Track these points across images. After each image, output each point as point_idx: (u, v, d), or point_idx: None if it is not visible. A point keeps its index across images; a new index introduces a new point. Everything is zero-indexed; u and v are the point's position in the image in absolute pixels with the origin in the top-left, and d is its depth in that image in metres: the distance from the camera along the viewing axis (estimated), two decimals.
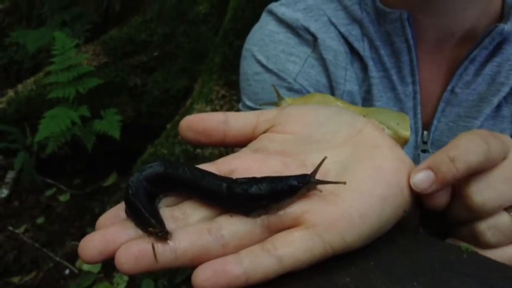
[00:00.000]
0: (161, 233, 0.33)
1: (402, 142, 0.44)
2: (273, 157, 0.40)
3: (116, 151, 2.47)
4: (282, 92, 0.75)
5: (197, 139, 0.42)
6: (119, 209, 0.37)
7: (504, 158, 0.39)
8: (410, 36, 0.70)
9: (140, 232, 0.34)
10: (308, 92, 0.75)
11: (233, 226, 0.35)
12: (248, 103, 0.80)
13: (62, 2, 3.12)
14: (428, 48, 0.73)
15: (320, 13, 0.76)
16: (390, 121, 0.44)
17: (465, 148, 0.37)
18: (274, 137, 0.42)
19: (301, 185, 0.35)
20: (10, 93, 2.67)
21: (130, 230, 0.35)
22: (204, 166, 0.39)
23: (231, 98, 2.06)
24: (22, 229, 2.42)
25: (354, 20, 0.74)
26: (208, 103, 2.08)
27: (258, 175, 0.36)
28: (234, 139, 0.43)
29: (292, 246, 0.33)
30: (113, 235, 0.34)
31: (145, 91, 2.53)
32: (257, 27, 0.82)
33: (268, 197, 0.34)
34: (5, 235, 2.39)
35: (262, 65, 0.78)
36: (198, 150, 2.00)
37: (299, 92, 0.75)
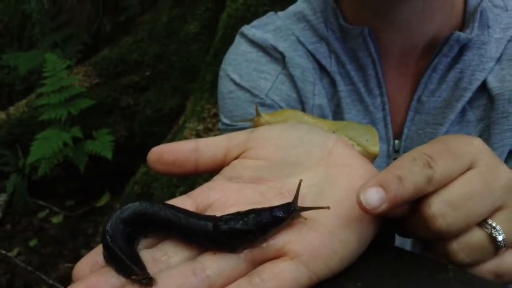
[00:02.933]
0: (145, 280, 0.32)
1: (372, 158, 0.44)
2: (249, 186, 0.39)
3: (108, 171, 2.46)
4: (254, 108, 0.79)
5: (169, 170, 0.41)
6: (96, 255, 0.35)
7: (469, 168, 0.37)
8: (373, 50, 0.73)
9: (122, 279, 0.33)
10: (280, 106, 0.79)
11: (217, 265, 0.34)
12: (225, 120, 0.83)
13: (53, 24, 3.14)
14: (393, 61, 0.76)
15: (289, 33, 0.80)
16: (360, 137, 0.45)
17: (410, 169, 0.35)
18: (247, 163, 0.41)
19: (286, 215, 0.35)
20: (2, 115, 2.66)
21: (112, 279, 0.33)
22: (180, 200, 0.38)
23: None
24: (14, 252, 2.39)
25: (321, 38, 0.78)
26: (200, 121, 2.09)
27: (236, 207, 0.36)
28: (206, 167, 0.41)
29: (280, 278, 0.33)
30: (95, 286, 0.33)
31: (137, 111, 2.54)
32: (231, 48, 0.86)
33: (255, 231, 0.34)
34: None
35: (236, 83, 0.81)
36: None
37: (271, 107, 0.78)
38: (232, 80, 0.82)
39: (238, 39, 0.85)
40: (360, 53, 0.74)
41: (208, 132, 2.07)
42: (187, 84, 2.45)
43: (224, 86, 0.83)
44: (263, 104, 0.79)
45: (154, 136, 2.44)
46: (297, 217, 0.35)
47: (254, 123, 0.51)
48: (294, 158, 0.41)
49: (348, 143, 0.43)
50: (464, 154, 0.37)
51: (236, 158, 0.42)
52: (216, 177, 0.41)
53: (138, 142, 2.54)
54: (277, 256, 0.35)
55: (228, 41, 2.06)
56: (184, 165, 0.41)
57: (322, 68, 0.78)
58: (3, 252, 2.39)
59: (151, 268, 0.34)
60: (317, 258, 0.34)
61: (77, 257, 2.41)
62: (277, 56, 0.80)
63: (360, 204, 0.34)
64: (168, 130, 2.35)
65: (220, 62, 2.28)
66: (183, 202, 0.38)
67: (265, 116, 0.50)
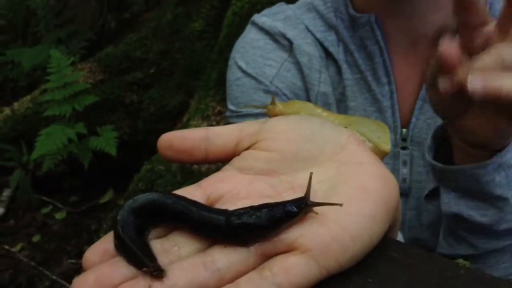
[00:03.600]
0: (155, 272, 0.32)
1: (382, 155, 0.45)
2: (260, 178, 0.39)
3: (112, 168, 2.47)
4: (260, 94, 0.81)
5: (178, 158, 0.41)
6: (107, 242, 0.35)
7: None
8: (380, 38, 0.74)
9: (133, 269, 0.33)
10: (284, 94, 0.80)
11: (227, 258, 0.34)
12: (231, 107, 0.85)
13: (57, 20, 3.15)
14: (400, 50, 0.77)
15: (298, 21, 0.82)
16: (371, 134, 0.45)
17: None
18: (259, 155, 0.40)
19: (299, 210, 0.35)
20: (6, 111, 2.67)
21: (123, 269, 0.33)
22: (190, 190, 0.38)
23: None
24: (18, 248, 2.40)
25: (330, 27, 0.79)
26: (204, 119, 2.09)
27: (247, 200, 0.36)
28: (216, 156, 0.41)
29: (290, 272, 0.33)
30: (107, 276, 0.33)
31: (141, 108, 2.54)
32: (241, 36, 0.89)
33: (268, 226, 0.34)
34: (1, 254, 2.37)
35: (242, 70, 0.83)
36: (195, 166, 2.00)
37: (275, 94, 0.80)
38: (239, 67, 0.83)
39: (248, 27, 0.87)
40: (367, 41, 0.75)
41: None
42: (192, 81, 2.45)
43: (232, 73, 0.85)
44: (267, 91, 0.80)
45: (158, 133, 2.39)
46: (309, 212, 0.36)
47: (268, 111, 0.51)
48: (306, 153, 0.40)
49: (360, 140, 0.43)
50: None
51: (247, 148, 0.42)
52: (226, 167, 0.41)
53: (142, 139, 2.54)
54: (287, 250, 0.35)
55: (233, 39, 2.06)
56: (194, 153, 0.41)
57: (329, 56, 0.79)
58: (6, 247, 2.40)
59: (162, 259, 0.34)
60: (327, 254, 0.34)
61: (80, 253, 2.41)
62: (284, 43, 0.81)
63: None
64: (172, 128, 2.35)
65: (225, 60, 2.29)
66: (193, 192, 0.38)
67: (279, 105, 0.50)
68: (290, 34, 0.80)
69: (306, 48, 0.79)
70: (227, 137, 0.42)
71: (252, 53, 0.83)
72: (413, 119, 0.76)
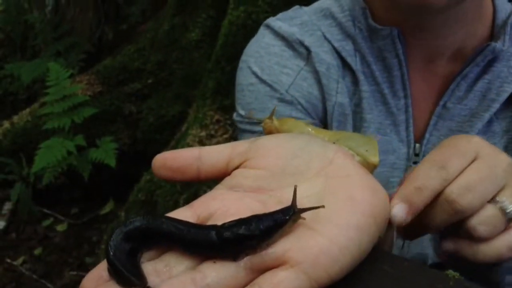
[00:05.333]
0: None
1: (372, 168, 0.45)
2: (249, 195, 0.40)
3: (112, 179, 2.47)
4: (274, 102, 0.79)
5: (172, 176, 0.42)
6: (102, 269, 0.36)
7: (474, 159, 0.44)
8: (401, 51, 0.73)
9: None
10: (300, 103, 0.78)
11: (217, 273, 0.35)
12: (241, 112, 0.83)
13: (55, 33, 3.17)
14: (418, 65, 0.76)
15: (315, 28, 0.79)
16: (359, 148, 0.46)
17: (427, 176, 0.43)
18: (248, 173, 0.42)
19: (288, 218, 0.35)
20: (6, 124, 2.68)
21: None
22: (181, 211, 0.39)
23: (225, 123, 2.08)
24: (19, 261, 2.40)
25: (348, 36, 0.77)
26: (203, 128, 2.10)
27: (237, 216, 0.37)
28: (208, 174, 0.42)
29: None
30: None
31: (140, 118, 2.55)
32: (254, 40, 0.85)
33: (259, 235, 0.35)
34: (3, 268, 2.37)
35: (257, 76, 0.80)
36: None
37: (290, 103, 0.78)
38: (254, 73, 0.81)
39: (262, 30, 0.84)
40: (386, 54, 0.74)
41: (211, 138, 2.08)
42: (190, 91, 2.46)
43: (244, 78, 0.83)
44: (282, 100, 0.78)
45: (157, 143, 2.45)
46: (297, 219, 0.36)
47: (264, 124, 0.52)
48: (294, 168, 0.41)
49: (348, 154, 0.44)
50: (467, 150, 0.45)
51: (237, 167, 0.43)
52: (218, 187, 0.42)
53: (141, 149, 2.55)
54: (277, 264, 0.35)
55: (229, 48, 2.08)
56: (187, 172, 0.42)
57: (346, 66, 0.78)
58: (9, 261, 2.40)
59: (153, 280, 0.35)
60: (317, 266, 0.34)
61: (82, 265, 2.41)
62: (301, 51, 0.79)
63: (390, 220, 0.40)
64: (171, 137, 2.36)
65: (221, 69, 2.28)
66: (184, 213, 0.39)
67: (275, 121, 0.51)
68: (307, 41, 0.78)
69: (324, 56, 0.77)
70: (218, 156, 0.43)
71: (268, 59, 0.80)
72: (427, 135, 0.75)
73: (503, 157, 0.46)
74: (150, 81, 2.55)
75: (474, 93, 0.73)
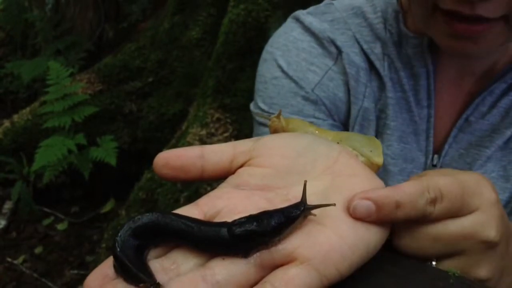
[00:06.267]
0: (152, 287, 0.33)
1: (375, 169, 0.45)
2: (256, 193, 0.39)
3: (113, 177, 2.47)
4: (298, 100, 0.76)
5: (175, 176, 0.41)
6: (107, 267, 0.35)
7: (457, 217, 0.40)
8: (429, 62, 0.72)
9: None
10: (324, 104, 0.76)
11: (227, 270, 0.34)
12: (262, 105, 0.80)
13: (55, 32, 3.16)
14: (447, 78, 0.74)
15: (346, 27, 0.77)
16: (363, 148, 0.45)
17: (414, 201, 0.38)
18: (254, 171, 0.41)
19: (298, 213, 0.35)
20: (6, 123, 2.68)
21: None
22: (187, 209, 0.38)
23: (226, 121, 2.08)
24: (20, 260, 2.40)
25: (378, 38, 0.75)
26: (203, 126, 2.10)
27: (244, 214, 0.36)
28: (212, 173, 0.42)
29: (292, 284, 0.33)
30: None
31: (140, 117, 2.55)
32: (281, 32, 0.82)
33: (270, 232, 0.34)
34: (4, 267, 2.37)
35: (282, 70, 0.78)
36: None
37: (314, 102, 0.76)
38: (279, 66, 0.78)
39: (290, 23, 0.81)
40: (415, 62, 0.73)
41: (211, 137, 2.08)
42: (190, 89, 2.46)
43: (268, 70, 0.80)
44: (307, 99, 0.76)
45: (158, 141, 2.45)
46: (308, 215, 0.36)
47: (272, 122, 0.51)
48: (300, 167, 0.41)
49: (353, 154, 0.44)
50: (470, 203, 0.40)
51: (241, 165, 0.42)
52: (222, 185, 0.41)
53: (142, 147, 2.55)
54: (287, 260, 0.35)
55: (230, 46, 2.08)
56: (190, 170, 0.41)
57: (373, 70, 0.76)
58: (9, 260, 2.40)
59: (161, 277, 0.34)
60: (327, 262, 0.34)
61: (82, 264, 2.41)
62: (331, 50, 0.77)
63: (347, 208, 0.37)
64: (171, 136, 2.36)
65: (222, 67, 2.28)
66: (190, 211, 0.38)
67: (283, 120, 0.50)
68: (339, 40, 0.76)
69: (354, 58, 0.75)
70: (222, 154, 0.42)
71: (295, 54, 0.77)
72: (446, 147, 0.74)
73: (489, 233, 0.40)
74: (150, 79, 2.55)
75: (498, 109, 0.72)
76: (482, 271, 0.41)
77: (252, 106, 0.84)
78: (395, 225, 0.40)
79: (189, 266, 0.35)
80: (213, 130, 2.09)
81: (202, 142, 2.05)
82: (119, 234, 0.36)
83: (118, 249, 0.35)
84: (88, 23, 3.22)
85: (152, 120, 2.53)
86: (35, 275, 2.30)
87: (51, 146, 2.19)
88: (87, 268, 2.32)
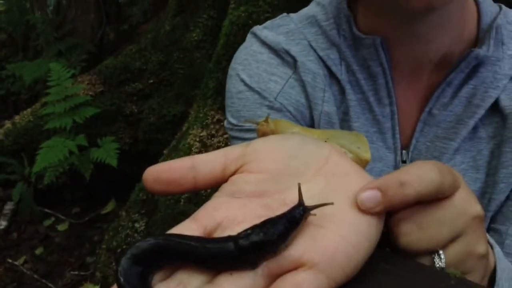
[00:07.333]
0: None
1: (364, 164, 0.45)
2: (253, 200, 0.39)
3: (114, 178, 2.48)
4: (263, 110, 0.79)
5: (167, 189, 0.40)
6: None
7: (448, 197, 0.40)
8: (384, 60, 0.73)
9: None
10: (288, 111, 0.79)
11: (236, 284, 0.34)
12: (231, 120, 0.83)
13: (57, 33, 3.17)
14: (404, 73, 0.75)
15: (301, 37, 0.80)
16: (351, 145, 0.45)
17: (418, 176, 0.38)
18: (248, 177, 0.40)
19: (301, 216, 0.35)
20: (8, 124, 2.69)
21: None
22: (185, 224, 0.37)
23: None
24: (21, 261, 2.40)
25: (333, 44, 0.77)
26: (204, 127, 2.10)
27: (245, 223, 0.36)
28: (204, 183, 0.41)
29: None
30: None
31: (141, 118, 2.56)
32: (242, 47, 0.85)
33: (277, 239, 0.34)
34: (4, 267, 2.38)
35: (245, 84, 0.80)
36: None
37: (279, 110, 0.78)
38: (242, 80, 0.81)
39: (249, 38, 0.84)
40: (371, 62, 0.74)
41: (211, 138, 2.08)
42: (191, 91, 2.46)
43: (233, 86, 0.83)
44: (271, 107, 0.78)
45: (158, 143, 2.45)
46: (308, 216, 0.36)
47: (261, 126, 0.51)
48: (293, 170, 0.41)
49: (342, 151, 0.44)
50: (456, 181, 0.40)
51: (234, 172, 0.42)
52: (217, 194, 0.40)
53: (143, 149, 2.55)
54: (294, 267, 0.35)
55: (230, 48, 2.08)
56: (183, 183, 0.40)
57: (332, 75, 0.78)
58: (10, 260, 2.40)
59: None
60: (334, 265, 0.34)
61: (83, 265, 2.42)
62: (288, 60, 0.79)
63: (356, 204, 0.37)
64: (172, 137, 2.37)
65: (222, 69, 2.28)
66: (189, 226, 0.37)
67: (271, 123, 0.50)
68: (293, 50, 0.78)
69: (310, 65, 0.78)
70: (213, 163, 0.41)
71: (256, 67, 0.80)
72: (413, 141, 0.75)
73: (476, 205, 0.42)
74: (151, 81, 2.55)
75: (459, 99, 0.73)
76: (482, 247, 0.42)
77: (225, 123, 0.86)
78: (401, 225, 0.40)
79: (196, 285, 0.35)
80: (213, 131, 2.09)
81: (203, 143, 2.05)
82: (121, 263, 0.35)
83: (122, 279, 0.34)
84: (89, 25, 3.23)
85: (152, 122, 2.54)
86: (35, 276, 2.31)
87: (52, 147, 2.20)
88: (88, 269, 2.33)
